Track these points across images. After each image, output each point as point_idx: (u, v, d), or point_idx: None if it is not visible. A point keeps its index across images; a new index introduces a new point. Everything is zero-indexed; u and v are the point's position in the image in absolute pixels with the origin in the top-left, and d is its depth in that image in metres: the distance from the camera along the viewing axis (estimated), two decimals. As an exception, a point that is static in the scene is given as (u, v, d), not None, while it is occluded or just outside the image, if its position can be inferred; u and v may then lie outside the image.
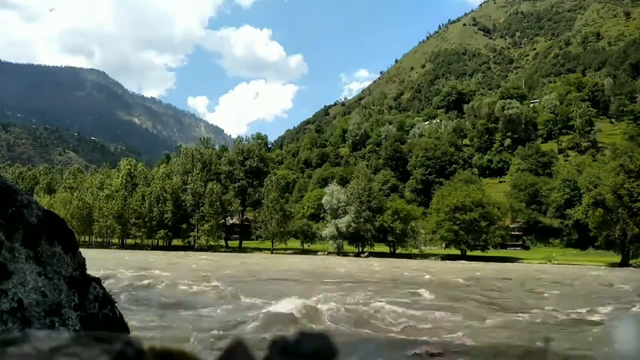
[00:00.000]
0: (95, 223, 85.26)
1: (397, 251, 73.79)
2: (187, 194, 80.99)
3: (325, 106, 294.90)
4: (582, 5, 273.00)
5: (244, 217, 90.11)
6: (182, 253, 64.13)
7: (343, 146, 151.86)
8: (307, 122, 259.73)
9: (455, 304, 13.59)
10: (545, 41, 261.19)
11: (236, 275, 24.54)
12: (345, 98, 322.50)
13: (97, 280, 1.77)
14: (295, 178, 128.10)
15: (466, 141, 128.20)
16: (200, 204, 79.26)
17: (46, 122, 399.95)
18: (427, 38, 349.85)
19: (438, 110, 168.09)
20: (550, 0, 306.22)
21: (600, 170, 65.03)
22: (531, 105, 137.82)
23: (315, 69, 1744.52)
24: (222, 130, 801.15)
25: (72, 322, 1.54)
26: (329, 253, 72.28)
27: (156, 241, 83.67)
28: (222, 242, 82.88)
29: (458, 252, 69.47)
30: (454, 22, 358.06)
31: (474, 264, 53.21)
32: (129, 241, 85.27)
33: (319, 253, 72.90)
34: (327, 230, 73.35)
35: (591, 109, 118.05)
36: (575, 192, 77.36)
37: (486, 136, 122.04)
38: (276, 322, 9.40)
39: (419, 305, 12.74)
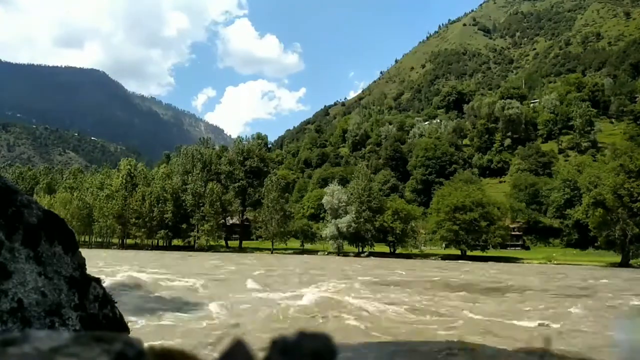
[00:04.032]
0: (95, 223, 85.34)
1: (397, 251, 73.81)
2: (187, 194, 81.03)
3: (325, 106, 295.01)
4: (582, 5, 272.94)
5: (244, 217, 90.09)
6: (235, 255, 64.03)
7: (343, 146, 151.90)
8: (307, 122, 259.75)
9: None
10: (545, 41, 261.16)
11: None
12: (345, 98, 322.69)
13: (97, 280, 1.76)
14: (295, 178, 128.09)
15: (466, 141, 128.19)
16: (201, 204, 79.27)
17: (46, 122, 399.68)
18: (427, 38, 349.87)
19: (438, 110, 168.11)
20: (550, 0, 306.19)
21: (600, 170, 64.94)
22: (531, 105, 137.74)
23: (316, 70, 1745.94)
24: (222, 130, 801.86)
25: (72, 322, 1.54)
26: (329, 253, 72.31)
27: (156, 241, 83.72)
28: (222, 242, 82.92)
29: (458, 252, 69.48)
30: (454, 22, 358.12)
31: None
32: (129, 241, 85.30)
33: (319, 253, 72.93)
34: (328, 230, 73.34)
35: (591, 109, 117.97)
36: (575, 192, 77.31)
37: (486, 136, 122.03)
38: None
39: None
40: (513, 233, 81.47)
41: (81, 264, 1.68)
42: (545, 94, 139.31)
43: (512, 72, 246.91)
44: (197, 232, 78.80)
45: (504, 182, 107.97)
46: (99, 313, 1.67)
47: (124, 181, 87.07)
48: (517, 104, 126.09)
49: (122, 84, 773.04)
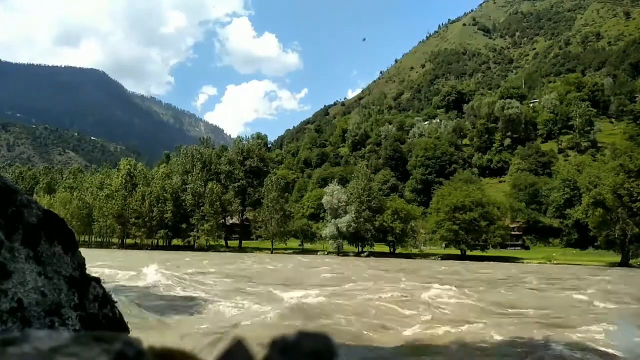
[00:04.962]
0: (95, 223, 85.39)
1: (397, 251, 73.82)
2: (187, 194, 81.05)
3: (325, 106, 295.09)
4: (582, 5, 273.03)
5: (244, 217, 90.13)
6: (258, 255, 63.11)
7: (343, 146, 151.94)
8: (307, 122, 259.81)
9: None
10: (545, 41, 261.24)
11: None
12: (345, 98, 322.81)
13: (97, 280, 1.76)
14: (295, 178, 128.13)
15: (466, 141, 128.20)
16: (201, 204, 79.29)
17: (46, 122, 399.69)
18: (427, 38, 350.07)
19: (438, 110, 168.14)
20: (550, 0, 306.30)
21: (600, 170, 64.96)
22: (531, 105, 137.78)
23: (316, 69, 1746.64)
24: (222, 130, 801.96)
25: (72, 322, 1.54)
26: (329, 253, 72.33)
27: (156, 241, 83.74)
28: (222, 242, 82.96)
29: (458, 252, 69.49)
30: (454, 22, 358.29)
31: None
32: (129, 241, 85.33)
33: (319, 253, 72.95)
34: (328, 230, 73.37)
35: (591, 109, 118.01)
36: (575, 192, 77.34)
37: (486, 136, 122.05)
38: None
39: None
40: (513, 233, 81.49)
41: (81, 264, 1.67)
42: (545, 94, 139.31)
43: (512, 72, 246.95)
44: (197, 232, 78.82)
45: (504, 182, 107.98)
46: (99, 313, 1.67)
47: (124, 181, 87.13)
48: (517, 104, 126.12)
49: (122, 83, 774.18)
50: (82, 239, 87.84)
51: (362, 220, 71.57)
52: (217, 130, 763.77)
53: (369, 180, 79.52)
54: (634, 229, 55.58)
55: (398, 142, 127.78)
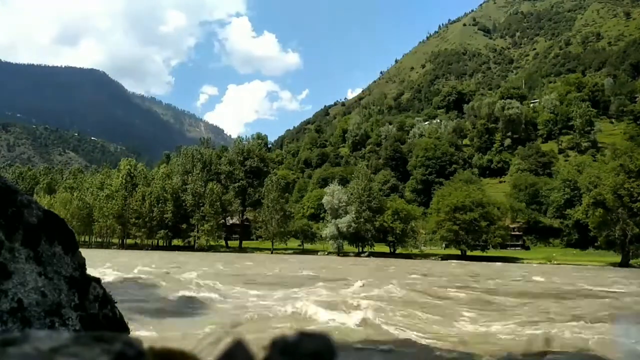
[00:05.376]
0: (95, 223, 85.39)
1: (397, 251, 73.80)
2: (187, 194, 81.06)
3: (325, 106, 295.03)
4: (582, 5, 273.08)
5: (244, 217, 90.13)
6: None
7: (343, 146, 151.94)
8: (307, 122, 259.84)
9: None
10: (545, 41, 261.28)
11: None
12: (345, 98, 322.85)
13: (97, 280, 1.76)
14: (295, 178, 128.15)
15: (466, 141, 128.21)
16: (201, 204, 79.30)
17: (46, 122, 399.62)
18: (427, 38, 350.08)
19: (438, 110, 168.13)
20: (550, 0, 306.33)
21: (600, 170, 64.97)
22: (531, 105, 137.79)
23: (317, 69, 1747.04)
24: (222, 130, 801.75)
25: (72, 322, 1.54)
26: (329, 253, 72.32)
27: (156, 241, 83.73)
28: (222, 242, 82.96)
29: (458, 252, 69.47)
30: (454, 22, 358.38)
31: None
32: (129, 241, 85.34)
33: (319, 253, 72.94)
34: (328, 230, 73.36)
35: (591, 109, 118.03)
36: (575, 192, 77.36)
37: (486, 136, 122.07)
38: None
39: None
40: (513, 233, 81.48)
41: (81, 264, 1.67)
42: (545, 94, 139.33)
43: (512, 72, 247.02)
44: (197, 232, 78.82)
45: (504, 182, 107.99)
46: (99, 313, 1.66)
47: (124, 181, 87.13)
48: (517, 104, 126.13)
49: (121, 83, 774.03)
50: (82, 239, 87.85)
51: (362, 220, 71.56)
52: (217, 130, 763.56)
53: (369, 180, 79.50)
54: (634, 229, 55.56)
55: (398, 142, 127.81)
